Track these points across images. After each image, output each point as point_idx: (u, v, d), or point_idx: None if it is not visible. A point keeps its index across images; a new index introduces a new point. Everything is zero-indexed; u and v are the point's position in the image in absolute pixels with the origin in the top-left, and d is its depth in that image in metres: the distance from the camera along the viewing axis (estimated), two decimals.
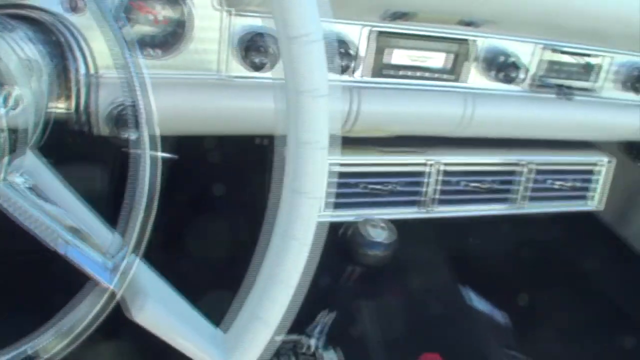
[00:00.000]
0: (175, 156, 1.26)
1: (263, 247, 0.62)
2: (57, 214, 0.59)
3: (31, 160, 0.64)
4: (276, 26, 0.57)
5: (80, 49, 0.86)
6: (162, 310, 0.60)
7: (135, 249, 0.61)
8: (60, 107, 0.88)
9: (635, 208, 1.88)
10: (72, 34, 0.85)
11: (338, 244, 1.07)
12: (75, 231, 0.59)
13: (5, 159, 0.56)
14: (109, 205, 0.68)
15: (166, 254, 0.96)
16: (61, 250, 0.58)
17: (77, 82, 0.88)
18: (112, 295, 0.59)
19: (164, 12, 0.92)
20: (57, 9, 0.83)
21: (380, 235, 1.03)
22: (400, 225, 1.33)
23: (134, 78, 0.61)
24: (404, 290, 1.47)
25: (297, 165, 0.58)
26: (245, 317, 0.62)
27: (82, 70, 0.87)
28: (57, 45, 0.84)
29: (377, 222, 1.04)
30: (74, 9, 0.83)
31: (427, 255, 1.57)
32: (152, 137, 0.95)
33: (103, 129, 0.94)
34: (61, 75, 0.85)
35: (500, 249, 1.73)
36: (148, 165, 0.62)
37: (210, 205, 1.56)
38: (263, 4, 0.93)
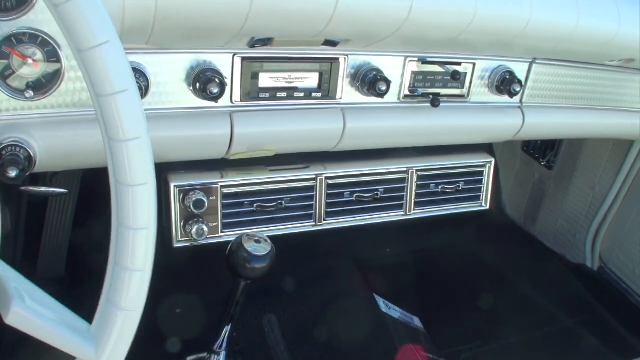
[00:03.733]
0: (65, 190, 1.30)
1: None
2: None
3: None
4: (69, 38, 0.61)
5: None
6: (28, 311, 0.64)
7: None
8: None
9: (539, 206, 1.96)
10: None
11: (227, 262, 1.11)
12: None
13: None
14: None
15: None
16: None
17: None
18: None
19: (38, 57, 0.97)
20: None
21: (262, 248, 1.08)
22: (305, 238, 1.38)
23: None
24: (313, 301, 1.51)
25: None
26: (103, 305, 0.69)
27: None
28: None
29: (257, 236, 1.09)
30: None
31: (337, 265, 1.61)
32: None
33: None
34: None
35: (413, 254, 1.78)
36: None
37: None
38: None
